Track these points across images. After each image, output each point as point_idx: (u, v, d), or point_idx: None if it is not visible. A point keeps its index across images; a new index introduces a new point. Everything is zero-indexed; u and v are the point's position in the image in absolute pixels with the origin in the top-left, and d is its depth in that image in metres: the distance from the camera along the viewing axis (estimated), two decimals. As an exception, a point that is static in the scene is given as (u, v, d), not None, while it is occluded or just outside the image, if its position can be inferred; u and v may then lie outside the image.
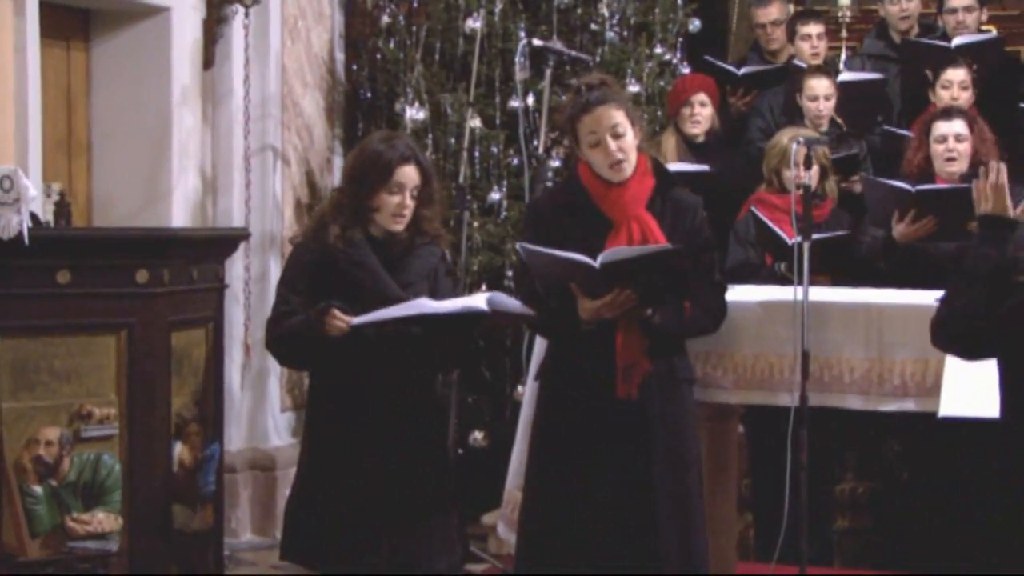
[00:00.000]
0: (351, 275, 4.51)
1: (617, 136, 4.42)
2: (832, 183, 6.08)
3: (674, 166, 6.01)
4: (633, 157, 4.47)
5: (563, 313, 4.42)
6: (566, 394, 4.50)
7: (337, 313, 4.38)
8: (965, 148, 5.85)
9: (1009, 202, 4.00)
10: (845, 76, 6.97)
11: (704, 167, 6.29)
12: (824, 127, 6.53)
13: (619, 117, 4.43)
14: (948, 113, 5.97)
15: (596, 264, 4.24)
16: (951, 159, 5.84)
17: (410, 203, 4.55)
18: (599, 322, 4.37)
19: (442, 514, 4.64)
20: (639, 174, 4.48)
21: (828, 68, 6.79)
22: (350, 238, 4.52)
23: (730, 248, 5.92)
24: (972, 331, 3.77)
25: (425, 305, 4.41)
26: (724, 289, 4.64)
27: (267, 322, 4.66)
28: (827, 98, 6.54)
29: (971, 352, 3.93)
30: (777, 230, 5.58)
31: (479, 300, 4.43)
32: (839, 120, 6.67)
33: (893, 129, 6.72)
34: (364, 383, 4.51)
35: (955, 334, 3.84)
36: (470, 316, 4.42)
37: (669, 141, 6.71)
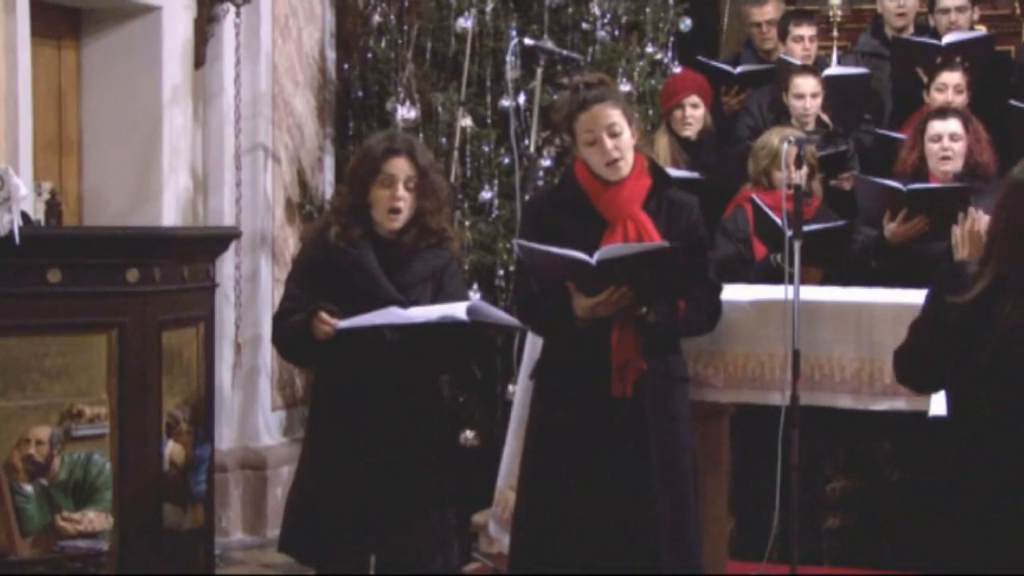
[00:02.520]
0: (348, 274, 4.52)
1: (614, 135, 4.42)
2: (818, 182, 6.09)
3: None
4: (630, 156, 4.47)
5: (559, 311, 4.42)
6: (561, 392, 4.51)
7: (324, 316, 4.41)
8: (960, 147, 5.87)
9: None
10: (831, 71, 6.98)
11: (696, 175, 6.28)
12: (810, 126, 6.54)
13: (616, 116, 4.44)
14: (943, 112, 5.99)
15: (592, 261, 4.25)
16: (946, 158, 5.86)
17: (404, 195, 4.54)
18: (594, 320, 4.38)
19: (440, 511, 4.65)
20: (636, 174, 4.49)
21: (814, 66, 6.79)
22: (351, 237, 4.54)
23: (718, 243, 5.92)
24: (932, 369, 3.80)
25: (399, 314, 4.41)
26: (719, 289, 4.65)
27: (273, 318, 4.74)
28: (813, 96, 6.54)
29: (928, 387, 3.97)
30: (776, 220, 5.58)
31: (459, 309, 4.43)
32: (825, 118, 6.68)
33: (885, 132, 6.73)
34: (365, 380, 4.52)
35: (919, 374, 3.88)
36: (452, 325, 4.41)
37: (661, 140, 6.73)
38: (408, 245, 4.59)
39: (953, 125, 5.88)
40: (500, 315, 4.52)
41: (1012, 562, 3.59)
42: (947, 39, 6.83)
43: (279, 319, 4.65)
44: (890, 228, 5.71)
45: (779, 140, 5.79)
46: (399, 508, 4.54)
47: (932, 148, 5.89)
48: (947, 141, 5.86)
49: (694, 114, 6.74)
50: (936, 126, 5.90)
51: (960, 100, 6.35)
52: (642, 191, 4.50)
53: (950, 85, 6.40)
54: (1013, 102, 6.44)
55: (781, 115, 6.68)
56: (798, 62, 6.94)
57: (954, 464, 3.73)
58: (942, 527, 3.77)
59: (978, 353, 3.57)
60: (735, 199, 6.13)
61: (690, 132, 6.74)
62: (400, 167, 4.54)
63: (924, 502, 3.92)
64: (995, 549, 3.62)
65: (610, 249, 4.29)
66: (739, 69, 7.27)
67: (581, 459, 4.45)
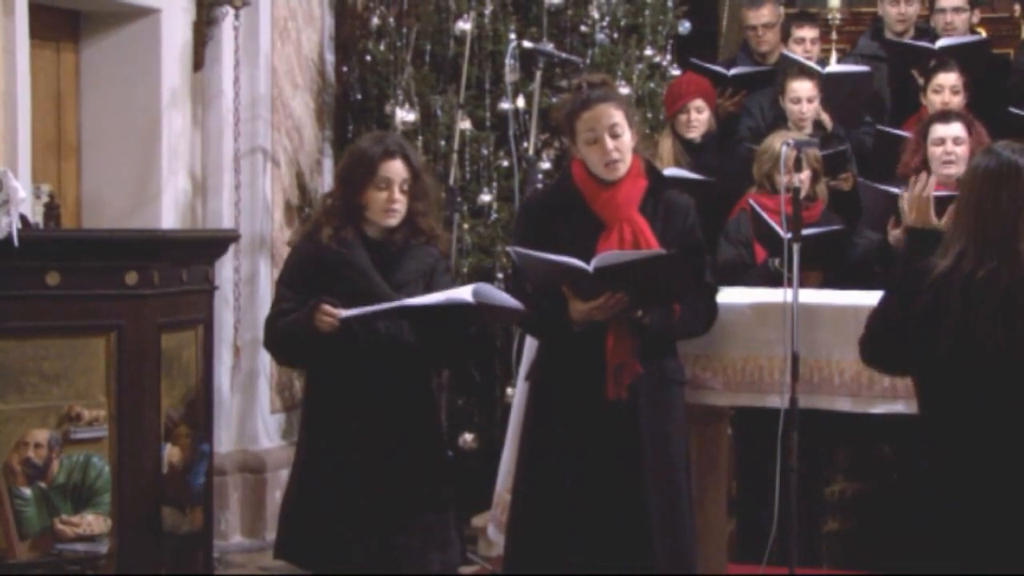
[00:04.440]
0: (343, 275, 4.53)
1: (615, 136, 4.43)
2: (823, 185, 6.08)
3: (673, 172, 6.01)
4: (628, 158, 4.48)
5: (554, 314, 4.42)
6: (556, 395, 4.51)
7: (326, 308, 4.41)
8: (963, 151, 5.84)
9: (933, 214, 4.07)
10: (832, 68, 6.98)
11: (703, 177, 6.27)
12: (807, 129, 6.53)
13: (618, 117, 4.44)
14: (946, 116, 5.97)
15: (590, 268, 4.25)
16: (949, 162, 5.84)
17: (399, 197, 4.56)
18: (590, 324, 4.37)
19: (438, 512, 4.65)
20: (632, 175, 4.49)
21: (811, 69, 6.79)
22: (343, 238, 4.55)
23: (720, 248, 5.92)
24: (898, 347, 3.85)
25: (409, 301, 4.43)
26: (715, 291, 4.65)
27: (265, 320, 4.72)
28: (810, 100, 6.54)
29: (896, 366, 4.04)
30: (773, 224, 5.58)
31: (464, 292, 4.44)
32: (824, 119, 6.67)
33: (887, 129, 6.72)
34: (359, 383, 4.53)
35: (883, 351, 3.93)
36: (457, 309, 4.41)
37: (666, 143, 6.73)
38: (398, 244, 4.62)
39: (956, 129, 5.86)
40: (505, 298, 4.50)
41: (988, 556, 3.64)
42: (941, 43, 6.84)
43: (271, 322, 4.65)
44: (894, 234, 5.70)
45: (780, 144, 5.78)
46: (397, 511, 4.55)
47: (935, 152, 5.87)
48: (950, 145, 5.84)
49: (699, 118, 6.74)
50: (939, 130, 5.89)
51: (957, 100, 6.34)
52: (638, 193, 4.51)
53: (946, 86, 6.40)
54: (1013, 110, 6.43)
55: (779, 117, 6.68)
56: (801, 54, 6.95)
57: (926, 460, 3.78)
58: (918, 525, 3.82)
59: (940, 338, 3.62)
60: (740, 202, 6.11)
61: (694, 135, 6.74)
62: (396, 170, 4.56)
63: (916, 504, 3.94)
64: (971, 544, 3.67)
65: (608, 256, 4.29)
66: (733, 71, 7.27)
67: (575, 461, 4.45)
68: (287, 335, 4.57)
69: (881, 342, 3.89)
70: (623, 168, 4.47)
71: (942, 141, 5.86)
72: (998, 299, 3.62)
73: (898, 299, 3.82)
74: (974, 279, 3.64)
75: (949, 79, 6.40)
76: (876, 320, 3.90)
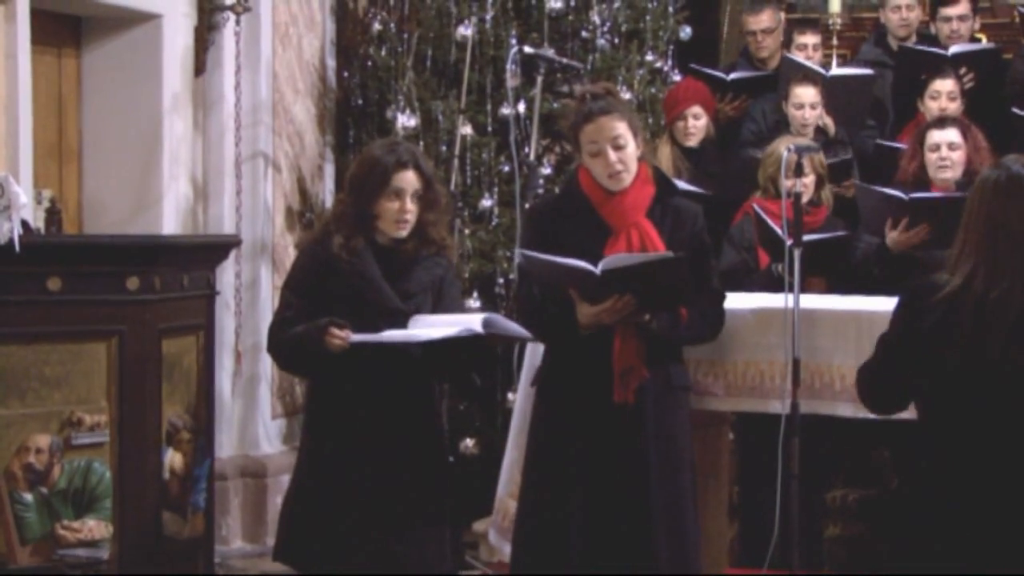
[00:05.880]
0: (352, 284, 4.52)
1: (618, 147, 4.43)
2: (828, 191, 6.08)
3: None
4: (633, 167, 4.47)
5: (561, 318, 4.42)
6: (563, 399, 4.51)
7: (335, 332, 4.40)
8: (959, 156, 5.88)
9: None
10: (835, 71, 6.99)
11: (703, 190, 6.26)
12: (810, 135, 6.54)
13: (621, 128, 4.44)
14: (942, 122, 6.01)
15: (597, 271, 4.25)
16: (944, 167, 5.87)
17: (411, 208, 4.56)
18: (598, 327, 4.38)
19: (436, 520, 4.64)
20: (639, 182, 4.50)
21: (815, 74, 6.80)
22: (353, 247, 4.54)
23: (724, 252, 5.92)
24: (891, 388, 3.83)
25: (420, 335, 4.42)
26: (723, 297, 4.65)
27: (270, 326, 4.70)
28: (813, 106, 6.55)
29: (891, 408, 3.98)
30: (777, 228, 5.58)
31: (475, 322, 4.43)
32: (827, 123, 6.68)
33: (885, 142, 6.74)
34: (362, 390, 4.53)
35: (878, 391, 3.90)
36: (468, 337, 4.42)
37: (664, 149, 6.74)
38: (408, 253, 4.61)
39: (951, 135, 5.90)
40: (514, 328, 4.52)
41: (988, 558, 3.63)
42: (953, 50, 6.85)
43: (277, 329, 4.64)
44: (892, 236, 5.71)
45: (785, 148, 5.79)
46: (396, 518, 4.54)
47: (931, 157, 5.91)
48: (945, 150, 5.88)
49: (696, 124, 6.76)
50: (934, 135, 5.92)
51: (954, 107, 6.37)
52: (646, 199, 4.51)
53: (943, 92, 6.42)
54: (1016, 110, 6.44)
55: (781, 122, 6.69)
56: (803, 60, 6.96)
57: (928, 470, 3.76)
58: (918, 526, 3.81)
59: (949, 355, 3.60)
60: (743, 207, 6.12)
61: (692, 142, 6.76)
62: (409, 180, 4.55)
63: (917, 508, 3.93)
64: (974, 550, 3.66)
65: (614, 259, 4.30)
66: (732, 76, 7.28)
67: (582, 465, 4.46)
68: (293, 348, 4.55)
69: (881, 379, 3.86)
70: (627, 179, 4.47)
71: (937, 147, 5.90)
72: (1012, 320, 3.59)
73: (902, 326, 3.78)
74: (987, 300, 3.60)
75: (946, 85, 6.43)
76: (879, 355, 3.86)
